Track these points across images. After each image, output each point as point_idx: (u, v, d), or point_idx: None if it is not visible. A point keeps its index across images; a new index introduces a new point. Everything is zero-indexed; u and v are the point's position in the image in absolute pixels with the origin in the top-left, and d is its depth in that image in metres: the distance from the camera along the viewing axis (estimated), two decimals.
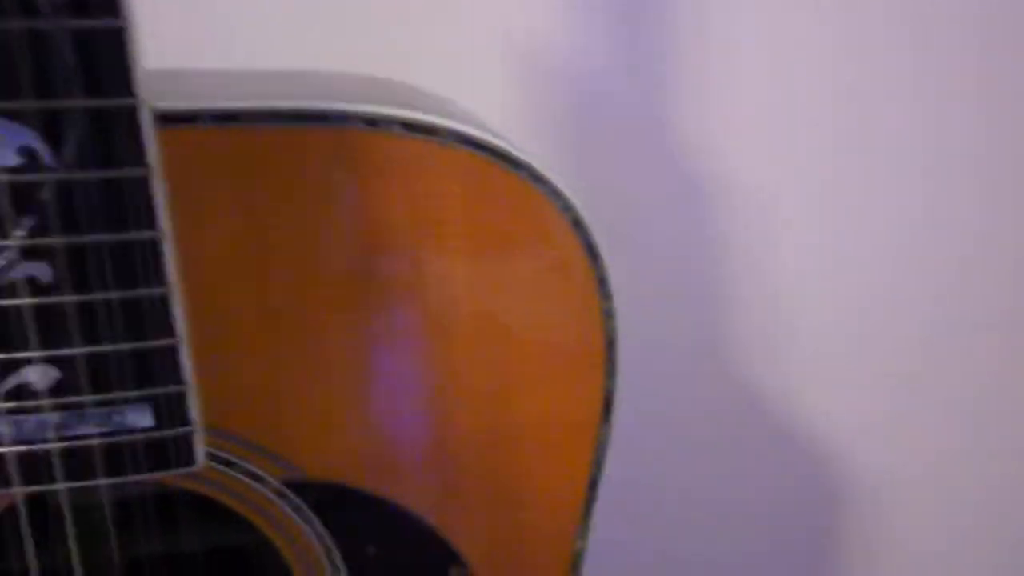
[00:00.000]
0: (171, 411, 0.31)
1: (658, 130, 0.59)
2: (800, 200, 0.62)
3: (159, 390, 0.30)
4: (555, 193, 0.31)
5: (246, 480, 0.33)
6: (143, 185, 0.28)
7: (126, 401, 0.30)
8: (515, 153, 0.31)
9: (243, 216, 0.31)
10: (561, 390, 0.34)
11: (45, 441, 0.30)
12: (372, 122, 0.30)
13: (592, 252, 0.32)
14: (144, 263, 0.29)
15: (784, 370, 0.67)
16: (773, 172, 0.61)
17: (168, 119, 0.29)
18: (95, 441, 0.30)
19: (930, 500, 0.74)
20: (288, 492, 0.34)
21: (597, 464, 0.36)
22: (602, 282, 0.33)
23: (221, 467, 0.33)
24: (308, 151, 0.30)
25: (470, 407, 0.34)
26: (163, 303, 0.29)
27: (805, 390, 0.68)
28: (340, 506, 0.34)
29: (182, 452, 0.31)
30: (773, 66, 0.59)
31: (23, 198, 0.27)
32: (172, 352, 0.30)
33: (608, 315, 0.33)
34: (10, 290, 0.28)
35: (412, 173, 0.31)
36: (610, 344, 0.33)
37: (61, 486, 0.30)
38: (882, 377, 0.68)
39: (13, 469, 0.30)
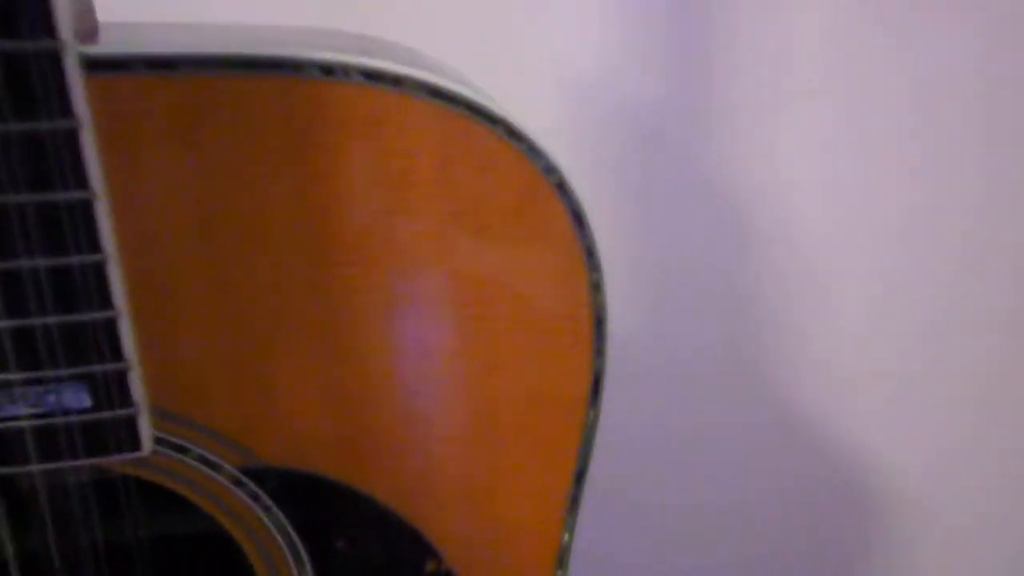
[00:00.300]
0: (111, 391, 0.28)
1: (675, 133, 0.58)
2: (816, 200, 0.62)
3: (96, 368, 0.27)
4: (536, 153, 0.28)
5: (199, 467, 0.30)
6: (69, 139, 0.25)
7: (61, 380, 0.27)
8: (491, 107, 0.28)
9: (189, 177, 0.28)
10: (543, 368, 0.31)
11: None
12: (329, 70, 0.26)
13: (578, 219, 0.29)
14: (74, 227, 0.26)
15: (796, 370, 0.66)
16: (784, 173, 0.61)
17: (99, 66, 0.26)
18: (28, 423, 0.27)
19: (943, 502, 0.73)
20: (246, 480, 0.31)
21: (584, 452, 0.33)
22: (589, 252, 0.29)
23: (171, 453, 0.30)
24: (258, 103, 0.27)
25: (444, 386, 0.31)
26: (97, 272, 0.26)
27: (816, 389, 0.67)
28: (302, 495, 0.31)
29: (125, 436, 0.28)
30: (773, 63, 0.58)
31: None
32: (109, 326, 0.27)
33: (596, 288, 0.30)
34: None
35: (376, 128, 0.27)
36: (598, 320, 0.30)
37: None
38: (894, 377, 0.68)
39: None
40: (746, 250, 0.62)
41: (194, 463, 0.30)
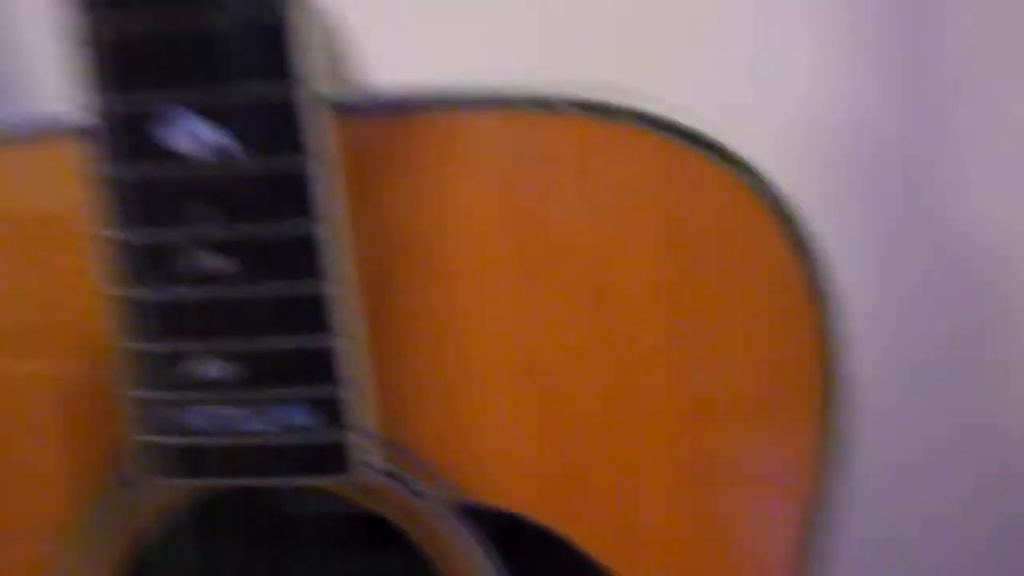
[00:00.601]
0: (330, 414, 0.29)
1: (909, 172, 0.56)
2: None
3: (321, 390, 0.29)
4: (761, 184, 0.27)
5: (408, 497, 0.31)
6: (311, 175, 0.27)
7: (286, 399, 0.29)
8: (711, 138, 0.27)
9: (416, 210, 0.29)
10: (762, 426, 0.28)
11: (211, 434, 0.29)
12: (546, 104, 0.27)
13: (805, 256, 0.27)
14: (313, 257, 0.28)
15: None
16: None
17: (344, 109, 0.28)
18: (254, 439, 0.29)
19: None
20: (454, 517, 0.31)
21: (815, 519, 0.29)
22: (818, 293, 0.27)
23: (381, 479, 0.31)
24: (475, 139, 0.27)
25: (657, 435, 0.29)
26: (328, 299, 0.28)
27: None
28: (512, 541, 0.31)
29: (337, 458, 0.29)
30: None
31: (194, 187, 0.27)
32: (336, 351, 0.29)
33: (827, 332, 0.27)
34: (180, 281, 0.28)
35: (592, 162, 0.27)
36: (829, 372, 0.27)
37: (218, 482, 0.29)
38: None
39: (177, 460, 0.29)
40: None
41: (403, 492, 0.31)
